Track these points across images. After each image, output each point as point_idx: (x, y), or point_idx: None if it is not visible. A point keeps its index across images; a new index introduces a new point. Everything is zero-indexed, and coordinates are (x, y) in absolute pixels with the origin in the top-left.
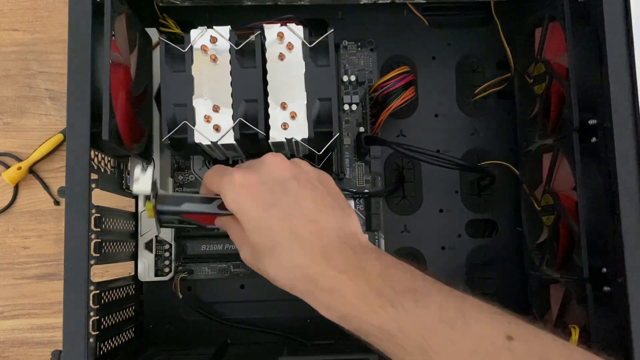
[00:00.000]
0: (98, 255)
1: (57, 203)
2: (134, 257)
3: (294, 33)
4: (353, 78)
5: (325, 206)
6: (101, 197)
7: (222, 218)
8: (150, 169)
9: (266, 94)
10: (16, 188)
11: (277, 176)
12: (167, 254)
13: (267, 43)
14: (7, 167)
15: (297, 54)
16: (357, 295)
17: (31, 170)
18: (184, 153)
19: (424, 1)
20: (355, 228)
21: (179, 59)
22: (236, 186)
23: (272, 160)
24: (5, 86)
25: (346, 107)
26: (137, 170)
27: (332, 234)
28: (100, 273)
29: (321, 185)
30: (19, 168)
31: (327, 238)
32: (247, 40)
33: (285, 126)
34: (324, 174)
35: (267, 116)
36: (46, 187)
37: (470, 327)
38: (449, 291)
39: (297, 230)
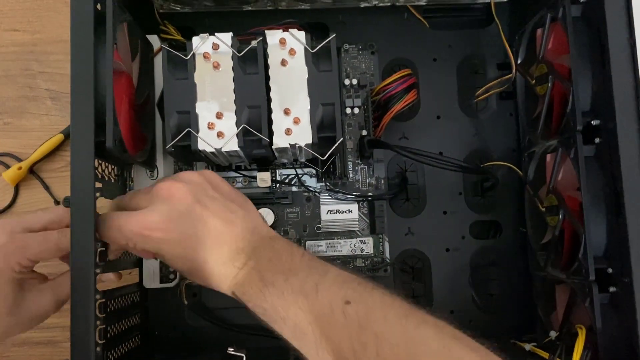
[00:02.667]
0: (103, 263)
1: (57, 203)
2: (139, 264)
3: (296, 39)
4: (355, 81)
5: (229, 213)
6: (106, 206)
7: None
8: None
9: (269, 100)
10: (16, 188)
11: (179, 206)
12: None
13: (269, 49)
14: (8, 167)
15: (300, 59)
16: (248, 282)
17: (31, 171)
18: (188, 160)
19: (424, 3)
20: (256, 222)
21: (181, 66)
22: (144, 233)
23: (168, 193)
24: (6, 86)
25: (348, 110)
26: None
27: (239, 237)
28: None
29: (219, 194)
30: (20, 168)
31: (234, 244)
32: (249, 47)
33: (288, 132)
34: (217, 180)
35: (270, 122)
36: (46, 188)
37: (318, 296)
38: (317, 269)
39: (211, 250)
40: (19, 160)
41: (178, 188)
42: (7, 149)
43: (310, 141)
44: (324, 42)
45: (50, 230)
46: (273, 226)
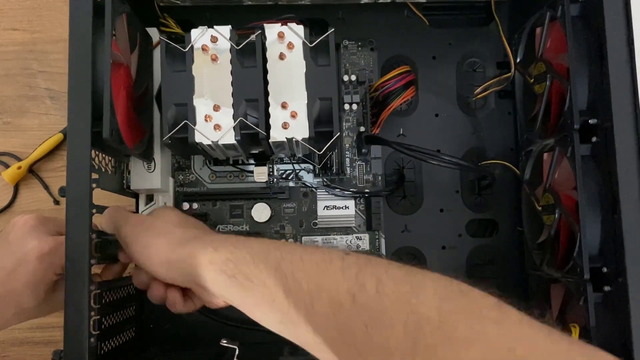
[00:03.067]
0: (99, 254)
1: (57, 203)
2: None
3: (295, 33)
4: (353, 77)
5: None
6: (102, 197)
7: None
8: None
9: (267, 94)
10: (16, 188)
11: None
12: None
13: (267, 42)
14: (7, 166)
15: (298, 53)
16: (235, 236)
17: (31, 170)
18: (185, 153)
19: (425, 1)
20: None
21: (180, 58)
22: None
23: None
24: (5, 86)
25: (346, 106)
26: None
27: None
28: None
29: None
30: (19, 168)
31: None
32: (247, 40)
33: (285, 126)
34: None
35: (267, 115)
36: (46, 187)
37: (316, 250)
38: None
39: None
40: (19, 159)
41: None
42: (6, 148)
43: (307, 135)
44: (323, 37)
45: None
46: (269, 221)
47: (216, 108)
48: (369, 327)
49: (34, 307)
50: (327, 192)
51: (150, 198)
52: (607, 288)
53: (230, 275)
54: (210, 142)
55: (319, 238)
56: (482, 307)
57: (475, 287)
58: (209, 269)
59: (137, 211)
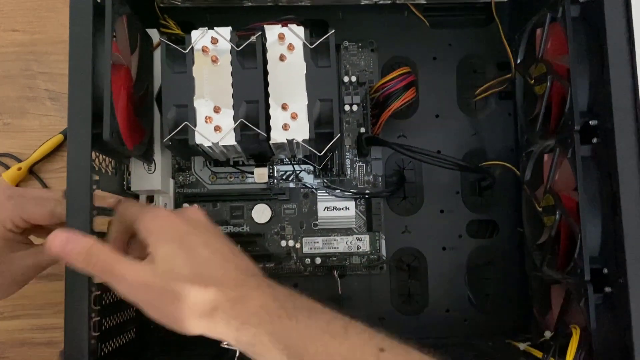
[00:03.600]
0: None
1: None
2: None
3: (295, 34)
4: (354, 79)
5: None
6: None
7: None
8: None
9: (267, 95)
10: None
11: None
12: None
13: (268, 44)
14: (7, 167)
15: (298, 54)
16: (261, 306)
17: (31, 171)
18: (185, 154)
19: (425, 2)
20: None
21: (180, 59)
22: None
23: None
24: (5, 86)
25: (347, 107)
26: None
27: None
28: None
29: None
30: (19, 169)
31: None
32: (248, 41)
33: (286, 127)
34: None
35: (268, 117)
36: (46, 188)
37: (348, 339)
38: (339, 314)
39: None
40: (19, 160)
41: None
42: (6, 149)
43: (307, 137)
44: (323, 38)
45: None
46: (270, 222)
47: (216, 109)
48: None
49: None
50: (328, 193)
51: (150, 199)
52: (607, 289)
53: (253, 353)
54: (210, 144)
55: (319, 239)
56: None
57: None
58: (235, 342)
59: None
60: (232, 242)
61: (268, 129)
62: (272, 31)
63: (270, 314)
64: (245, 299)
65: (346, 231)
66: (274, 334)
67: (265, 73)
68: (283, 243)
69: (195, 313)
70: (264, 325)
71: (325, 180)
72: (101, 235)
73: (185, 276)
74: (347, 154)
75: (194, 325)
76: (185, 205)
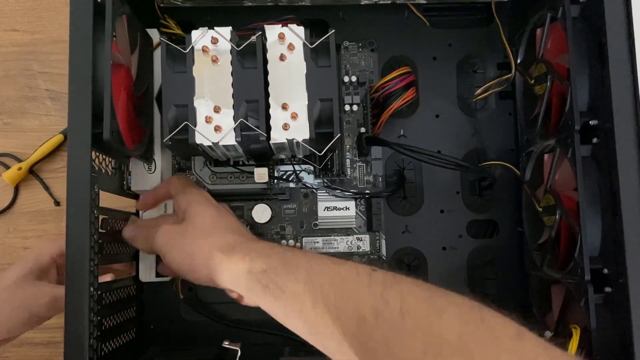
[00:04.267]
0: (100, 255)
1: (57, 204)
2: (135, 257)
3: (295, 34)
4: (354, 78)
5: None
6: (102, 198)
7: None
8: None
9: (267, 95)
10: (16, 188)
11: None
12: None
13: (268, 44)
14: (7, 167)
15: (298, 54)
16: (271, 246)
17: (31, 171)
18: (185, 154)
19: (425, 2)
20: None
21: (180, 59)
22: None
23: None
24: (6, 86)
25: (347, 107)
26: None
27: (243, 230)
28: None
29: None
30: (19, 168)
31: (240, 235)
32: (248, 41)
33: (286, 127)
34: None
35: (268, 117)
36: (46, 188)
37: (345, 263)
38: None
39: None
40: (19, 160)
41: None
42: (6, 149)
43: (307, 136)
44: (323, 38)
45: None
46: (270, 222)
47: (217, 109)
48: (390, 344)
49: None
50: (328, 193)
51: None
52: (607, 289)
53: (265, 285)
54: (210, 143)
55: (319, 239)
56: (500, 336)
57: (498, 313)
58: (246, 277)
59: (136, 211)
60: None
61: (268, 129)
62: (273, 31)
63: (280, 248)
64: (257, 241)
65: (346, 231)
66: (285, 260)
67: (266, 73)
68: (283, 243)
69: (218, 248)
70: (276, 255)
71: (326, 180)
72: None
73: (213, 226)
74: (348, 153)
75: (217, 257)
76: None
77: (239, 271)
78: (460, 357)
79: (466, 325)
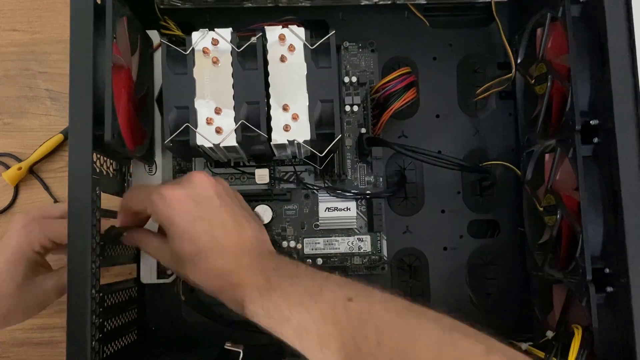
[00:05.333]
0: (101, 258)
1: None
2: (137, 259)
3: (296, 35)
4: (354, 79)
5: (242, 218)
6: (103, 200)
7: (134, 235)
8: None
9: (268, 96)
10: (16, 188)
11: (203, 192)
12: None
13: (268, 45)
14: (7, 167)
15: (299, 55)
16: (255, 287)
17: (31, 171)
18: (186, 155)
19: (425, 2)
20: (264, 237)
21: (181, 61)
22: (166, 200)
23: (199, 179)
24: (5, 86)
25: (347, 108)
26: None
27: (247, 241)
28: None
29: (237, 200)
30: (19, 168)
31: (242, 244)
32: (248, 42)
33: (287, 128)
34: (236, 192)
35: (269, 118)
36: (46, 188)
37: (322, 295)
38: (320, 275)
39: (218, 240)
40: (19, 160)
41: (208, 180)
42: (6, 149)
43: (308, 137)
44: (324, 39)
45: None
46: (271, 223)
47: (217, 111)
48: None
49: (13, 295)
50: (329, 193)
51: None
52: (609, 289)
53: (260, 321)
54: (211, 145)
55: (320, 240)
56: (470, 357)
57: (469, 331)
58: (257, 313)
59: None
60: (238, 209)
61: (269, 130)
62: (273, 32)
63: (259, 290)
64: (235, 275)
65: (347, 232)
66: (265, 305)
67: (266, 74)
68: (284, 244)
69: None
70: (257, 301)
71: (326, 181)
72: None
73: (188, 254)
74: (348, 154)
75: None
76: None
77: (247, 306)
78: None
79: (438, 350)
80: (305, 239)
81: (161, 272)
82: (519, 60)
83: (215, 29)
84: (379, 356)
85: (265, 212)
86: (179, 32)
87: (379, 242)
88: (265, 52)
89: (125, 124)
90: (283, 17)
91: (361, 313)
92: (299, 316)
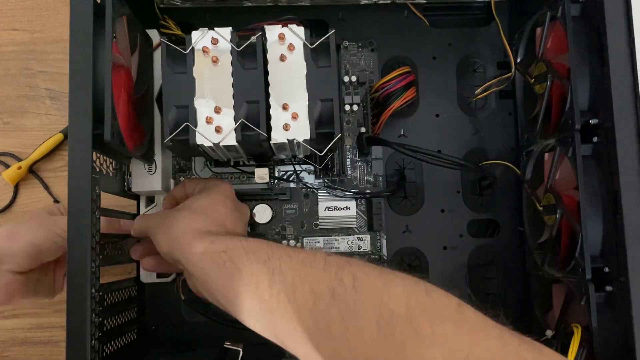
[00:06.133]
0: (101, 257)
1: (57, 202)
2: None
3: (295, 34)
4: (354, 78)
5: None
6: (103, 199)
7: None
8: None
9: (268, 95)
10: (16, 188)
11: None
12: None
13: (268, 44)
14: (7, 166)
15: (299, 54)
16: (232, 247)
17: (31, 170)
18: (186, 154)
19: (425, 1)
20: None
21: (181, 60)
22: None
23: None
24: (5, 86)
25: (347, 107)
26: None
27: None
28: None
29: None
30: (19, 168)
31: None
32: (248, 42)
33: (286, 127)
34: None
35: (268, 117)
36: (46, 187)
37: (303, 250)
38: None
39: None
40: (19, 159)
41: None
42: (6, 148)
43: (308, 137)
44: (323, 38)
45: None
46: (271, 222)
47: (217, 110)
48: (345, 318)
49: (23, 274)
50: (328, 193)
51: (151, 200)
52: (609, 288)
53: (221, 264)
54: (211, 144)
55: (320, 239)
56: (443, 308)
57: (440, 289)
58: (201, 257)
59: (137, 212)
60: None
61: (269, 129)
62: (273, 31)
63: (247, 238)
64: (233, 235)
65: (347, 231)
66: (246, 244)
67: (266, 73)
68: (284, 243)
69: (192, 230)
70: (239, 241)
71: (326, 180)
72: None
73: (203, 212)
74: (348, 153)
75: (185, 238)
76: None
77: (195, 251)
78: (410, 328)
79: (413, 297)
80: (305, 238)
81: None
82: (518, 60)
83: (215, 28)
84: (354, 298)
85: (265, 211)
86: (178, 32)
87: (378, 241)
88: (265, 51)
89: (124, 123)
90: (283, 16)
91: (339, 263)
92: (277, 261)
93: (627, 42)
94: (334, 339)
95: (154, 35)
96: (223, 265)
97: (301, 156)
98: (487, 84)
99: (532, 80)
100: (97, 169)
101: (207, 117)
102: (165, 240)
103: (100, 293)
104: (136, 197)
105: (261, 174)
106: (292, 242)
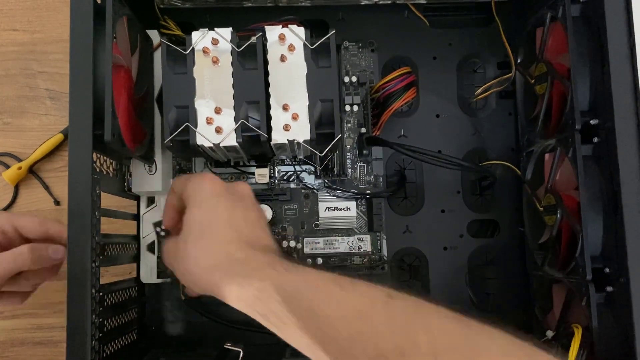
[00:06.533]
0: (101, 257)
1: (57, 203)
2: (137, 259)
3: (296, 34)
4: (354, 79)
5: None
6: (103, 199)
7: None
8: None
9: (268, 96)
10: (16, 188)
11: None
12: None
13: (268, 44)
14: (7, 167)
15: (299, 55)
16: (267, 263)
17: (31, 170)
18: (186, 155)
19: (425, 1)
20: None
21: (181, 60)
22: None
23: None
24: (5, 86)
25: (347, 108)
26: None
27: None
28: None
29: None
30: (19, 168)
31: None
32: (248, 42)
33: (287, 128)
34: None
35: (269, 118)
36: (46, 187)
37: (357, 289)
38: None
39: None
40: (19, 160)
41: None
42: (6, 148)
43: (308, 137)
44: (324, 38)
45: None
46: (271, 223)
47: (217, 110)
48: None
49: None
50: (329, 193)
51: (151, 200)
52: (609, 288)
53: (262, 314)
54: (211, 145)
55: (320, 239)
56: None
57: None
58: (237, 304)
59: (137, 212)
60: (260, 218)
61: (269, 130)
62: (273, 32)
63: (277, 269)
64: (249, 260)
65: (347, 231)
66: (280, 286)
67: (266, 74)
68: (284, 244)
69: (214, 265)
70: (270, 279)
71: (326, 181)
72: (102, 236)
73: (203, 231)
74: (348, 154)
75: (215, 275)
76: None
77: (227, 296)
78: None
79: None
80: (305, 239)
81: (161, 272)
82: (518, 60)
83: (215, 29)
84: None
85: (265, 211)
86: (178, 32)
87: (379, 241)
88: (265, 51)
89: (125, 123)
90: (283, 16)
91: (407, 309)
92: (328, 307)
93: (627, 42)
94: None
95: (154, 35)
96: (265, 315)
97: (301, 157)
98: (487, 84)
99: (533, 80)
100: (98, 170)
101: (207, 117)
102: (187, 282)
103: (101, 293)
104: (136, 197)
105: (261, 175)
106: (293, 243)
